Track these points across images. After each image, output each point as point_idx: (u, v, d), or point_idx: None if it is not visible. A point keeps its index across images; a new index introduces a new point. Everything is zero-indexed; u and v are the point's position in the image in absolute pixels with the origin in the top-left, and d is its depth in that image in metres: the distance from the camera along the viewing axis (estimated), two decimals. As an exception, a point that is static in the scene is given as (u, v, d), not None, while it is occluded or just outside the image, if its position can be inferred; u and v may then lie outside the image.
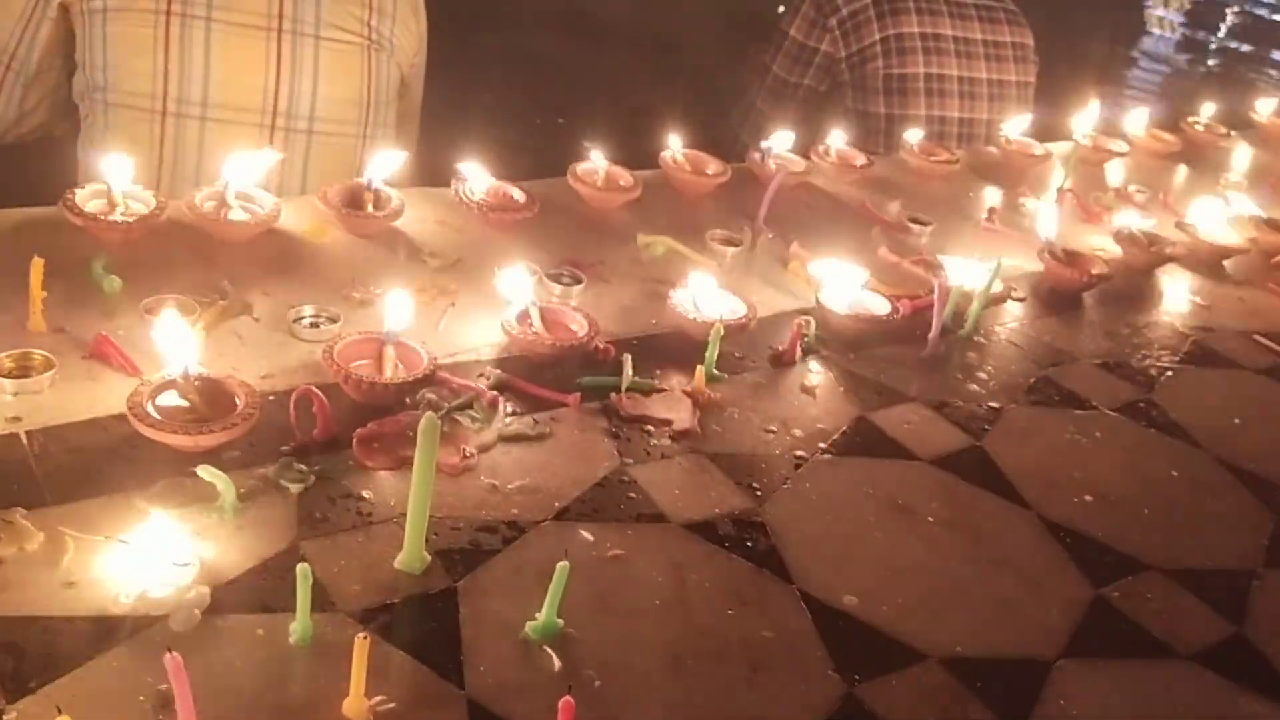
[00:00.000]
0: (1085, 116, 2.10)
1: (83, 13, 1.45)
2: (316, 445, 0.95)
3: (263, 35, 1.48)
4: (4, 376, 0.93)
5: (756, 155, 1.68)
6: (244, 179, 1.23)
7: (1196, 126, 2.39)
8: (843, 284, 1.33)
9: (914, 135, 1.90)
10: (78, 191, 1.16)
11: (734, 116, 2.56)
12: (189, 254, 1.18)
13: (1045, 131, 2.08)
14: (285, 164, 1.53)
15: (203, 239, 1.20)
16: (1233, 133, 2.43)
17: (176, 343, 0.93)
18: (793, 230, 1.54)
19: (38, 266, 1.00)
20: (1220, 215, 1.83)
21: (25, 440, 0.89)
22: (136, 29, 1.43)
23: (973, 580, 0.97)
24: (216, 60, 1.46)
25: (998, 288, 1.43)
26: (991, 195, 1.85)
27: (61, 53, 1.51)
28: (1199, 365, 1.45)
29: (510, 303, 1.15)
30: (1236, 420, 1.33)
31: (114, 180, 1.17)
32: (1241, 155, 2.28)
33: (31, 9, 1.47)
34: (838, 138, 1.79)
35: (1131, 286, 1.63)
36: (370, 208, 1.30)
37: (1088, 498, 1.12)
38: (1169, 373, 1.41)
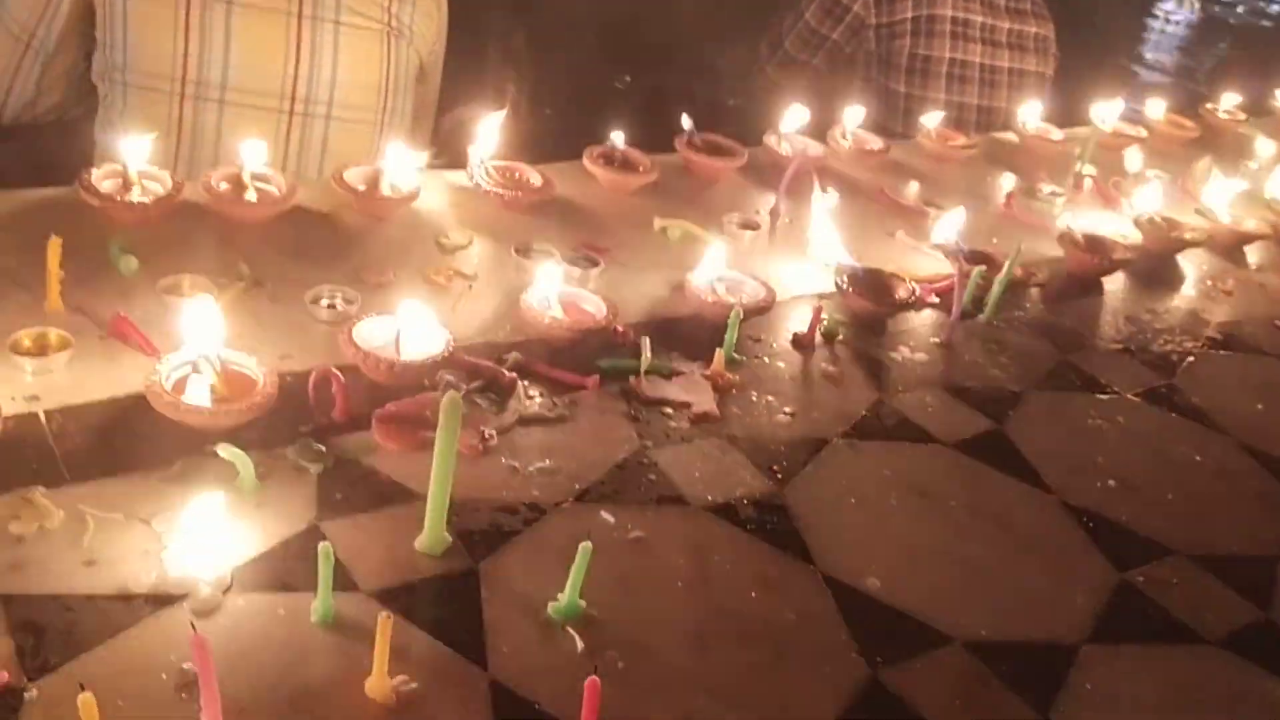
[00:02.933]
0: (1105, 104, 2.08)
1: None
2: (335, 426, 0.94)
3: (283, 19, 1.47)
4: (22, 355, 0.93)
5: (773, 138, 1.67)
6: (258, 162, 1.23)
7: (1218, 113, 2.37)
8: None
9: (932, 119, 1.88)
10: (94, 171, 1.15)
11: (762, 50, 2.54)
12: (206, 235, 1.17)
13: (1064, 117, 2.07)
14: (303, 149, 1.53)
15: (219, 220, 1.19)
16: (1251, 118, 2.41)
17: (203, 326, 0.92)
18: (810, 215, 1.53)
19: (55, 246, 0.99)
20: (1240, 201, 1.81)
21: (44, 419, 0.88)
22: (157, 9, 1.43)
23: (996, 564, 0.96)
24: (236, 43, 1.45)
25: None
26: (1009, 181, 1.84)
27: (80, 31, 1.50)
28: (1220, 351, 1.44)
29: (532, 283, 1.15)
30: (1259, 406, 1.32)
31: (130, 160, 1.16)
32: (1261, 141, 2.26)
33: None
34: (854, 118, 1.77)
35: (1151, 272, 1.61)
36: (387, 190, 1.29)
37: (1111, 482, 1.11)
38: (1190, 358, 1.39)
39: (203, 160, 1.46)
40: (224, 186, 1.21)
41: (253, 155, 1.22)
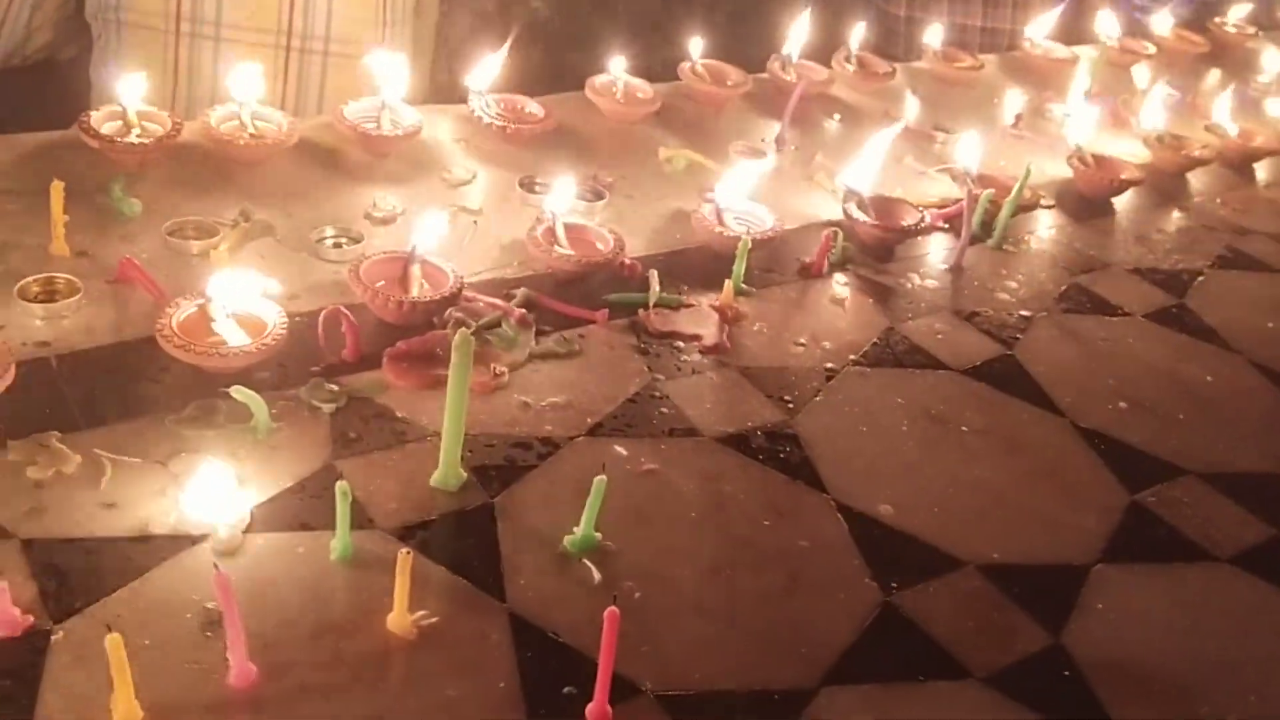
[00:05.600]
0: (1109, 17, 2.05)
1: None
2: (346, 365, 0.94)
3: None
4: (31, 301, 0.93)
5: (776, 64, 1.64)
6: (254, 96, 1.21)
7: (1225, 27, 2.33)
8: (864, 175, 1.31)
9: (934, 36, 1.85)
10: (93, 113, 1.14)
11: None
12: (208, 175, 1.16)
13: (1070, 33, 2.03)
14: (301, 85, 1.51)
15: (221, 160, 1.18)
16: (1260, 32, 2.37)
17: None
18: (816, 142, 1.52)
19: (58, 190, 0.98)
20: (1249, 117, 1.79)
21: (55, 364, 0.88)
22: None
23: (1008, 488, 0.97)
24: None
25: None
26: (1017, 100, 1.81)
27: None
28: (1231, 269, 1.43)
29: (543, 212, 1.14)
30: (1270, 324, 1.32)
31: (129, 101, 1.15)
32: (1270, 55, 2.22)
33: None
34: (857, 39, 1.73)
35: (1161, 191, 1.60)
36: (388, 126, 1.28)
37: (1122, 404, 1.11)
38: (1201, 277, 1.39)
39: (201, 98, 1.45)
40: (224, 126, 1.19)
41: (250, 91, 1.21)
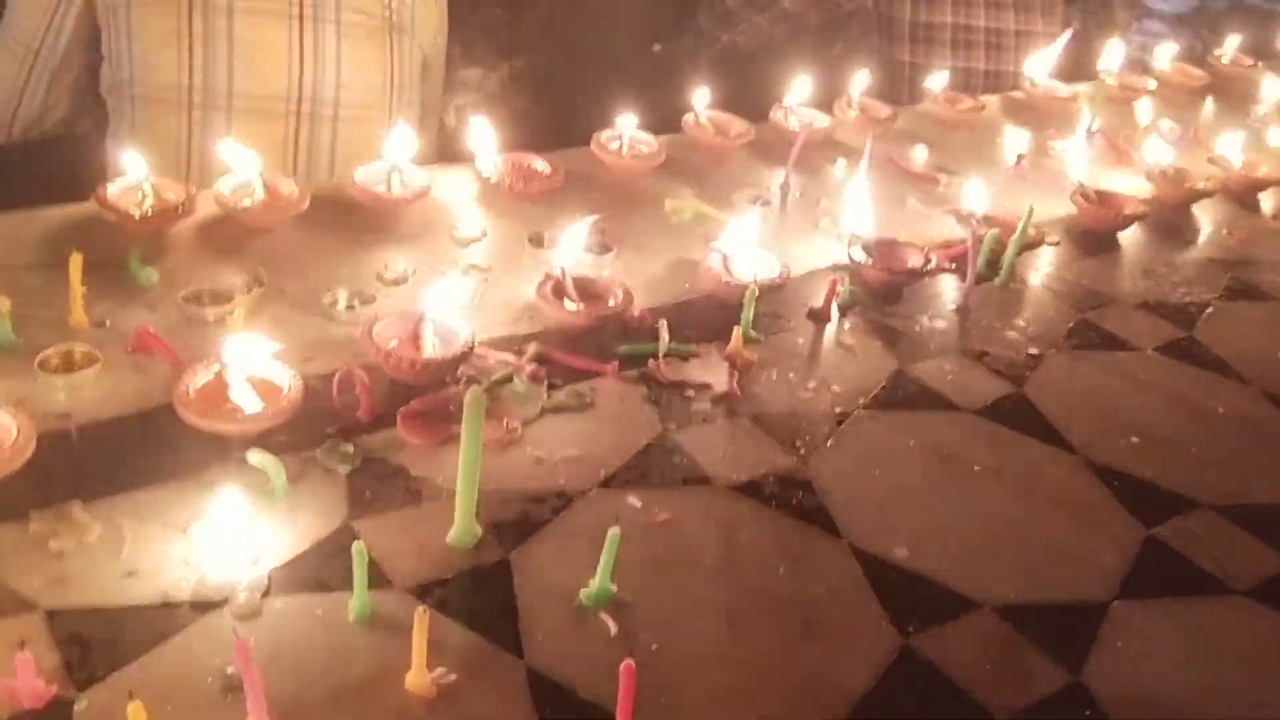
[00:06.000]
0: (1109, 54, 2.07)
1: (107, 5, 1.45)
2: (361, 426, 0.95)
3: (284, 22, 1.48)
4: (51, 373, 0.95)
5: (779, 113, 1.66)
6: (258, 168, 1.23)
7: (1223, 59, 2.35)
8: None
9: (937, 81, 1.87)
10: (109, 186, 1.16)
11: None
12: (222, 243, 1.18)
13: (1071, 71, 2.05)
14: (312, 150, 1.54)
15: (235, 228, 1.20)
16: (1259, 64, 2.39)
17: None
18: (820, 188, 1.53)
19: (76, 262, 1.00)
20: (1252, 148, 1.80)
21: (76, 434, 0.90)
22: (160, 20, 1.44)
23: (1023, 527, 0.97)
24: (240, 49, 1.46)
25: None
26: (1019, 140, 1.83)
27: (84, 45, 1.52)
28: (1239, 300, 1.44)
29: (554, 264, 1.16)
30: (1280, 354, 1.32)
31: (144, 174, 1.18)
32: (1270, 86, 2.24)
33: (57, 2, 1.48)
34: (859, 86, 1.75)
35: (1166, 224, 1.60)
36: (397, 188, 1.30)
37: (1134, 439, 1.11)
38: (1209, 309, 1.39)
39: (215, 168, 1.47)
40: (236, 194, 1.22)
41: (257, 163, 1.23)
